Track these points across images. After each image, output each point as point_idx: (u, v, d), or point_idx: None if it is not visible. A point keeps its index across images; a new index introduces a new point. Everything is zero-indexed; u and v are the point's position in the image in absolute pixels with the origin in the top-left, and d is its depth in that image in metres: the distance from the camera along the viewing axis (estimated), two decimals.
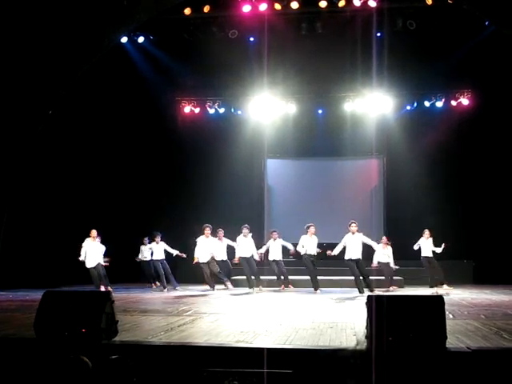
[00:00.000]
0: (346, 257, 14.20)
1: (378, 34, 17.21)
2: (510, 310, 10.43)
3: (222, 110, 19.17)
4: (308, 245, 14.87)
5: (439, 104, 18.27)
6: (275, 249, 15.93)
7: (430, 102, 18.34)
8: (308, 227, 15.07)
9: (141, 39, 17.71)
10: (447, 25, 16.39)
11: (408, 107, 18.67)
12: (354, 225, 14.40)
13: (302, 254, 14.90)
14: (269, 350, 5.98)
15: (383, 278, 15.12)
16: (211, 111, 19.18)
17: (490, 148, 17.84)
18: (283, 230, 16.89)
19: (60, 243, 16.69)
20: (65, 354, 3.93)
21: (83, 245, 15.23)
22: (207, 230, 15.16)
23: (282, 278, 15.98)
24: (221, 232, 16.20)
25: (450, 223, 17.04)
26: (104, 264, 15.39)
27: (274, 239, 16.06)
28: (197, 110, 19.28)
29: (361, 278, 14.14)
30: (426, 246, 15.47)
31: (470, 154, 18.01)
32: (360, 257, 14.19)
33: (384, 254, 15.06)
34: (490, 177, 17.75)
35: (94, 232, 15.30)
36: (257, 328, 7.89)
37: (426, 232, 15.55)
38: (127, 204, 18.30)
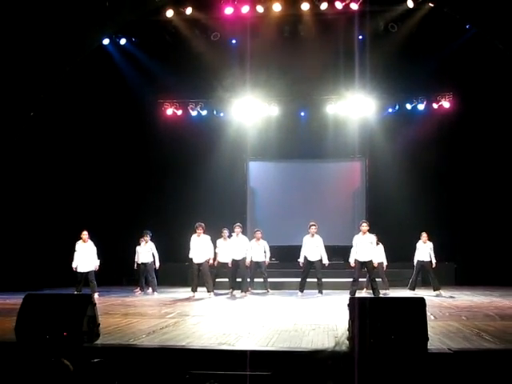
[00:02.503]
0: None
1: (360, 37, 17.27)
2: (490, 312, 10.52)
3: (204, 113, 19.11)
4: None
5: (421, 107, 18.33)
6: (258, 250, 15.92)
7: (411, 104, 18.39)
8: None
9: (123, 41, 17.64)
10: (428, 28, 16.50)
11: (390, 110, 18.71)
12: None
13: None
14: (251, 352, 5.98)
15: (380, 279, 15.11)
16: (193, 113, 19.10)
17: (471, 151, 17.95)
18: (265, 232, 16.90)
19: (41, 245, 16.58)
20: (46, 357, 3.90)
21: (76, 248, 14.73)
22: (199, 229, 14.81)
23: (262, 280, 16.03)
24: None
25: (431, 225, 17.09)
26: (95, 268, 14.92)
27: (258, 239, 16.02)
28: (179, 113, 19.20)
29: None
30: (422, 249, 15.23)
31: (451, 157, 18.10)
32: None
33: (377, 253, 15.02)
34: (472, 179, 17.86)
35: (85, 234, 14.80)
36: (239, 330, 7.90)
37: (423, 235, 15.29)
38: (108, 206, 18.19)
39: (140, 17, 16.02)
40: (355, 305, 6.00)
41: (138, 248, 16.18)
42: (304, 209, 18.36)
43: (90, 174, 18.08)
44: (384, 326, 5.84)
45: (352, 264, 14.27)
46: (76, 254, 14.71)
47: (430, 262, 15.04)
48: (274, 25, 16.74)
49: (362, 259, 14.02)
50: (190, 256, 14.79)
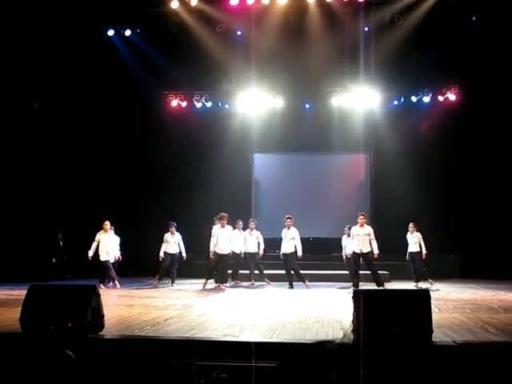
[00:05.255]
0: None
1: (366, 29, 17.24)
2: (494, 305, 10.51)
3: (209, 104, 19.09)
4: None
5: (426, 99, 18.27)
6: (251, 241, 15.91)
7: (416, 97, 18.33)
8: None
9: (128, 32, 17.61)
10: (434, 20, 16.42)
11: (395, 102, 18.67)
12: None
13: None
14: (256, 343, 5.98)
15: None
16: (198, 105, 19.08)
17: (476, 143, 17.92)
18: (270, 223, 16.92)
19: (47, 237, 16.65)
20: (50, 348, 3.91)
21: (96, 238, 14.68)
22: (224, 220, 14.67)
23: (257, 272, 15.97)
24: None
25: (436, 218, 17.13)
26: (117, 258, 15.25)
27: (251, 229, 15.97)
28: (184, 104, 19.18)
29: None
30: (410, 240, 15.15)
31: (456, 149, 18.05)
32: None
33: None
34: (477, 172, 17.83)
35: (107, 224, 14.85)
36: (244, 322, 7.90)
37: (411, 226, 15.19)
38: (114, 197, 18.20)
39: (145, 8, 15.99)
40: (360, 297, 5.99)
41: (167, 238, 15.73)
42: (308, 201, 18.36)
43: (95, 166, 18.11)
44: (389, 318, 5.84)
45: (348, 256, 14.29)
46: (95, 244, 14.64)
47: (419, 252, 14.87)
48: (280, 16, 16.71)
49: (359, 251, 13.99)
50: (215, 248, 14.52)
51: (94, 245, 14.68)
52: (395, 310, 5.95)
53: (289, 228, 14.91)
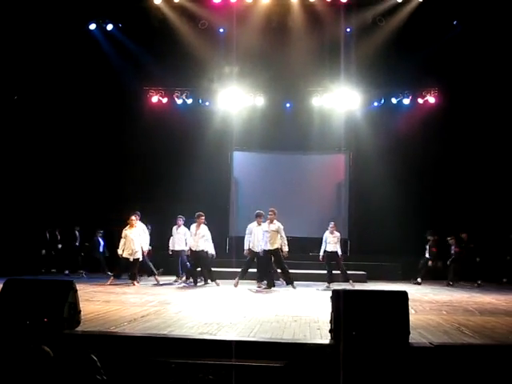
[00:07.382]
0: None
1: (348, 30, 17.30)
2: (470, 307, 10.62)
3: (189, 101, 19.01)
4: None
5: (406, 101, 18.37)
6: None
7: (397, 98, 18.43)
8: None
9: (109, 27, 17.49)
10: (416, 23, 16.54)
11: (375, 103, 18.76)
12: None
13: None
14: (234, 342, 5.98)
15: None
16: (179, 102, 18.99)
17: (455, 145, 18.03)
18: (248, 222, 16.89)
19: (26, 232, 16.54)
20: (26, 343, 3.87)
21: (122, 235, 14.32)
22: (261, 218, 14.45)
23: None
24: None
25: (412, 219, 17.20)
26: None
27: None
28: (164, 100, 19.09)
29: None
30: (330, 240, 14.75)
31: (434, 152, 18.16)
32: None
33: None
34: (456, 174, 17.95)
35: (133, 219, 14.42)
36: (221, 320, 7.90)
37: (331, 225, 14.87)
38: (92, 193, 18.08)
39: (127, 2, 15.93)
40: (338, 297, 6.01)
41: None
42: (287, 200, 18.32)
43: (75, 161, 17.99)
44: (367, 318, 5.86)
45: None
46: (122, 241, 14.28)
47: (337, 252, 14.67)
48: (263, 15, 16.74)
49: (267, 248, 13.82)
50: (251, 246, 14.35)
51: (122, 242, 14.30)
52: (373, 310, 5.98)
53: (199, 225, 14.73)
